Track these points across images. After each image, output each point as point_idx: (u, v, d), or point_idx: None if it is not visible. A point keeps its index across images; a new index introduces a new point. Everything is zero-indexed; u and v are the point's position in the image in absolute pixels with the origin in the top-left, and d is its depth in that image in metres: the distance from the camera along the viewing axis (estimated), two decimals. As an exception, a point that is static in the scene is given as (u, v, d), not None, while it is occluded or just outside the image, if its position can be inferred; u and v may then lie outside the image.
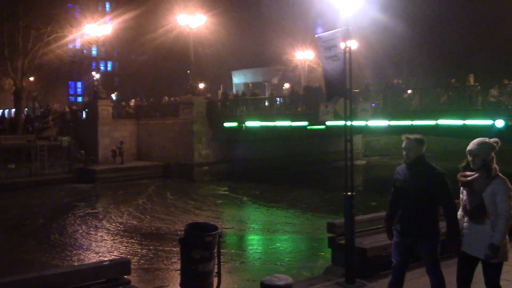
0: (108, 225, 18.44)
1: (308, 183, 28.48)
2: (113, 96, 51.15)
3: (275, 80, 53.49)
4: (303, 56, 46.06)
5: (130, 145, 33.00)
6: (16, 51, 33.30)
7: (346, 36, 7.27)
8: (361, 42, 38.67)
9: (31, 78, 42.84)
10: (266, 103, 29.81)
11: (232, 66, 58.61)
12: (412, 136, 5.16)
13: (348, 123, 7.34)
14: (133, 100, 37.91)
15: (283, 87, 47.88)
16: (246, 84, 54.95)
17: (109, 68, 71.83)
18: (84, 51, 61.41)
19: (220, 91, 44.56)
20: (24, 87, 36.32)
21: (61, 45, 35.32)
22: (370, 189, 27.33)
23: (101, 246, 15.68)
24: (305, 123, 26.41)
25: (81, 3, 46.33)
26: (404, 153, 5.19)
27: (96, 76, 47.25)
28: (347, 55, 7.08)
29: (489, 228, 4.77)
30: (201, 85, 46.05)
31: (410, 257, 5.31)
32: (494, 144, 4.90)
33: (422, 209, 5.05)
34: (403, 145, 5.18)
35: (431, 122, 21.16)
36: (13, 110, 39.22)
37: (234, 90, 50.30)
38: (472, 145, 4.91)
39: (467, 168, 4.98)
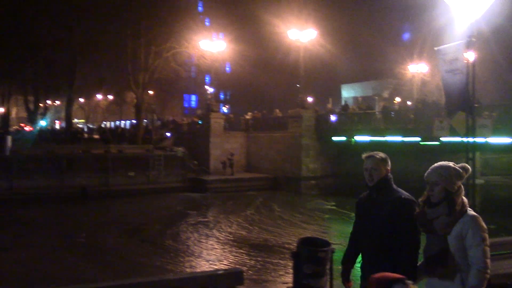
0: (218, 234, 19.03)
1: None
2: (225, 109, 53.05)
3: (385, 94, 52.14)
4: (416, 69, 44.46)
5: (240, 157, 33.82)
6: (138, 66, 35.81)
7: (469, 48, 6.93)
8: (481, 52, 36.45)
9: (151, 92, 45.84)
10: (377, 117, 29.13)
11: (341, 79, 58.14)
12: (376, 154, 4.18)
13: (471, 139, 6.98)
14: (249, 113, 39.03)
15: (394, 101, 46.51)
16: (355, 98, 54.16)
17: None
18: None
19: (329, 105, 44.40)
20: (144, 99, 38.91)
21: (178, 60, 37.41)
22: (489, 210, 25.46)
23: (211, 254, 16.19)
24: (417, 139, 25.40)
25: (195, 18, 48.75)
26: (366, 174, 4.15)
27: (210, 90, 49.40)
28: (471, 68, 6.73)
29: (459, 285, 3.46)
30: (310, 99, 46.15)
31: None
32: (461, 170, 3.65)
33: (382, 247, 3.96)
34: (365, 164, 4.15)
35: None
36: (134, 121, 42.18)
37: (343, 104, 49.79)
38: (429, 170, 3.74)
39: (427, 202, 3.76)
